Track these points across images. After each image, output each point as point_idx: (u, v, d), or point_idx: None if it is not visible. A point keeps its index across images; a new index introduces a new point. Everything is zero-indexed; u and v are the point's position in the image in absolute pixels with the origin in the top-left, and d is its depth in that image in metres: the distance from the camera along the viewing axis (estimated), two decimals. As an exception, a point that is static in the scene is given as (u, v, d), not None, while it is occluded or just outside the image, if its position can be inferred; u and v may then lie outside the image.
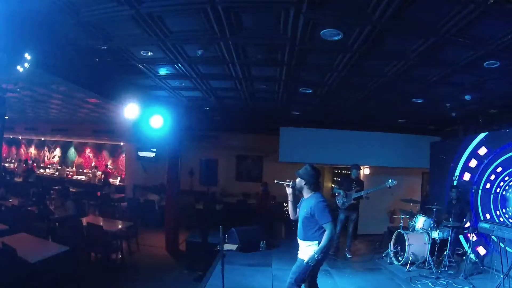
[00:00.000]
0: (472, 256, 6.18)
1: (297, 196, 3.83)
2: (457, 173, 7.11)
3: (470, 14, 3.10)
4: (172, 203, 8.34)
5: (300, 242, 3.71)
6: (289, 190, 3.76)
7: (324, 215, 3.47)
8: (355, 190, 6.81)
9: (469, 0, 2.91)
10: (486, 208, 6.43)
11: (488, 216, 6.34)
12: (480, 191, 6.50)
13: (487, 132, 6.67)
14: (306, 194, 3.68)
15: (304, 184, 3.65)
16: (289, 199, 3.82)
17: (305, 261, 3.54)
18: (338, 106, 7.59)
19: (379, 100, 6.81)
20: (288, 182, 3.75)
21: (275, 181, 3.92)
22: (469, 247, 5.92)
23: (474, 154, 6.80)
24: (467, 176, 6.98)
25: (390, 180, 6.55)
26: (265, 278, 5.52)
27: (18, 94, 7.60)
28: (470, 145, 6.91)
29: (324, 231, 3.49)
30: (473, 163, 6.82)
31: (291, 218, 3.93)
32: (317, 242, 3.52)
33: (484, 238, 6.23)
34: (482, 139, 6.72)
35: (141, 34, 3.99)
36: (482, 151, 6.65)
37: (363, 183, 7.29)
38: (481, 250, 6.33)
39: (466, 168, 6.96)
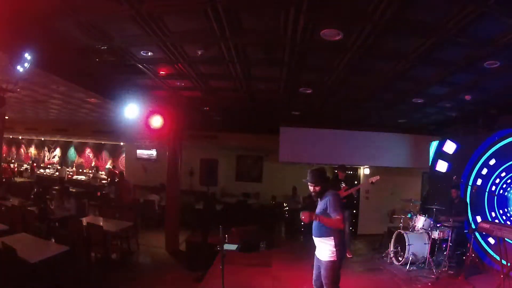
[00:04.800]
0: (484, 245, 6.45)
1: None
2: (471, 178, 7.28)
3: (470, 14, 3.10)
4: (172, 203, 8.34)
5: (315, 240, 3.67)
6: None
7: (335, 209, 3.46)
8: (343, 189, 6.93)
9: (469, 0, 2.91)
10: (491, 207, 6.60)
11: (493, 214, 6.53)
12: (486, 193, 6.66)
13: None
14: (323, 194, 3.66)
15: (323, 187, 3.63)
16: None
17: (324, 261, 3.51)
18: (338, 106, 7.59)
19: (379, 100, 6.82)
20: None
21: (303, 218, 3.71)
22: (470, 246, 5.97)
23: (485, 164, 7.01)
24: (479, 182, 7.15)
25: (372, 177, 6.82)
26: (265, 278, 5.52)
27: (18, 94, 7.58)
28: (482, 158, 7.08)
29: None
30: (484, 171, 7.02)
31: None
32: (332, 237, 3.48)
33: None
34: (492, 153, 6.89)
35: (141, 34, 3.99)
36: (492, 161, 6.84)
37: (352, 182, 7.50)
38: (491, 240, 6.45)
39: (479, 175, 7.15)
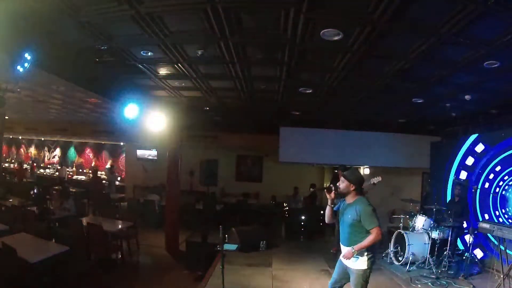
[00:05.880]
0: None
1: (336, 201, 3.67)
2: (452, 171, 7.04)
3: (470, 14, 3.10)
4: (172, 203, 8.34)
5: (345, 249, 3.50)
6: (332, 195, 3.57)
7: (371, 220, 3.31)
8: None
9: (469, 0, 2.91)
10: (485, 208, 6.40)
11: (487, 216, 6.31)
12: (478, 190, 6.49)
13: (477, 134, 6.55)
14: (351, 198, 3.49)
15: (353, 189, 3.47)
16: (329, 203, 3.63)
17: (355, 269, 3.40)
18: (338, 106, 7.58)
19: (379, 100, 6.81)
20: (331, 185, 3.57)
21: (312, 188, 3.70)
22: (469, 247, 5.91)
23: (471, 151, 6.73)
24: (463, 175, 6.95)
25: (374, 178, 6.58)
26: (265, 278, 5.52)
27: (18, 94, 7.58)
28: (466, 142, 6.86)
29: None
30: (469, 161, 6.77)
31: (326, 222, 3.79)
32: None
33: (482, 241, 6.19)
34: (478, 136, 6.68)
35: (141, 34, 3.99)
36: (479, 148, 6.57)
37: None
38: (479, 253, 6.29)
39: (462, 166, 6.92)
